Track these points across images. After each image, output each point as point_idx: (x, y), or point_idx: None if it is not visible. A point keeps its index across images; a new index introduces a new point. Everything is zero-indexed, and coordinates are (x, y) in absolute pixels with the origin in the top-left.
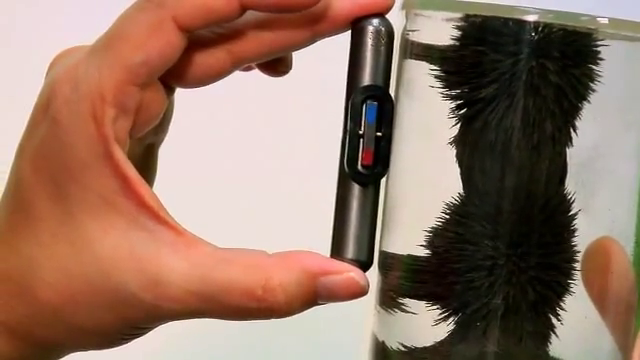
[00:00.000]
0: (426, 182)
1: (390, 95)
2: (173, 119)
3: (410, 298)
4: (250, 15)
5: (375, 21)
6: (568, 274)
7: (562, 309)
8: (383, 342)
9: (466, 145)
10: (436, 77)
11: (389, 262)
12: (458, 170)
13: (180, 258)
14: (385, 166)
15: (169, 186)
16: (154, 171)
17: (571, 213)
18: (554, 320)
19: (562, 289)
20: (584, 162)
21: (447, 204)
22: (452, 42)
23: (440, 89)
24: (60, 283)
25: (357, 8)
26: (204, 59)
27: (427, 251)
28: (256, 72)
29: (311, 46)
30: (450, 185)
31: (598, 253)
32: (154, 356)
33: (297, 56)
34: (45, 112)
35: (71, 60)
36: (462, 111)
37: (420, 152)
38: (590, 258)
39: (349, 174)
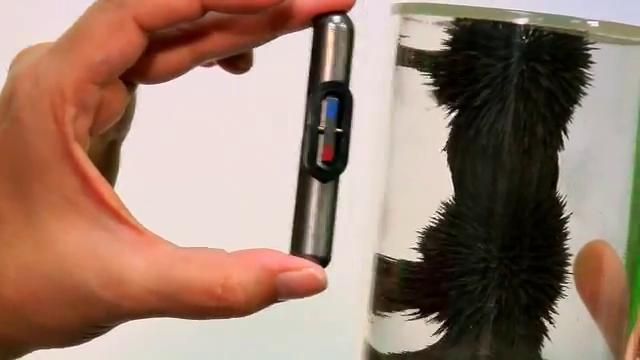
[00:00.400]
0: (419, 186)
1: (350, 92)
2: (171, 119)
3: (403, 302)
4: (212, 12)
5: (336, 18)
6: (560, 277)
7: (554, 312)
8: (375, 348)
9: (458, 149)
10: (427, 81)
11: (382, 266)
12: (450, 174)
13: (140, 257)
14: (345, 162)
15: (149, 186)
16: (117, 168)
17: (563, 216)
18: (546, 323)
19: (554, 292)
20: (575, 165)
21: (439, 208)
22: (443, 46)
23: (431, 93)
24: (23, 282)
25: (319, 6)
26: (165, 56)
27: (420, 255)
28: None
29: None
30: (442, 189)
31: (590, 256)
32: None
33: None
34: (7, 109)
35: (33, 57)
36: (454, 115)
37: (412, 156)
38: (582, 261)
39: (309, 170)
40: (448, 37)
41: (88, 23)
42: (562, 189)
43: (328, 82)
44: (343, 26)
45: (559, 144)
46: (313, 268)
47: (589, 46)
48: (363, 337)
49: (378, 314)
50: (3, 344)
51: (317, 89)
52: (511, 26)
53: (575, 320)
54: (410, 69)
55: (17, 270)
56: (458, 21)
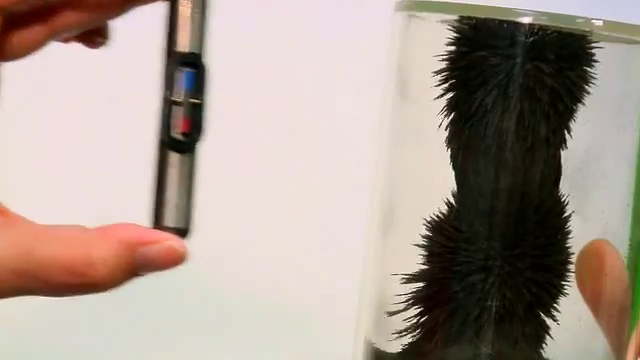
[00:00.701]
0: (421, 184)
1: (205, 62)
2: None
3: (405, 300)
4: None
5: None
6: (562, 276)
7: (556, 311)
8: (377, 345)
9: (461, 147)
10: (431, 79)
11: (384, 264)
12: (453, 172)
13: (1, 237)
14: (200, 133)
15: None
16: None
17: (565, 215)
18: (548, 322)
19: (556, 291)
20: (578, 164)
21: (442, 207)
22: (447, 44)
23: (434, 91)
24: None
25: None
26: (20, 33)
27: (423, 253)
28: None
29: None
30: (445, 187)
31: (592, 255)
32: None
33: None
34: None
35: None
36: (457, 113)
37: (415, 154)
38: (584, 260)
39: (165, 142)
40: (452, 35)
41: None
42: (565, 188)
43: (182, 53)
44: None
45: (562, 143)
46: (173, 241)
47: (593, 45)
48: (364, 336)
49: (379, 311)
50: None
51: (171, 60)
52: (515, 25)
53: (577, 319)
54: (413, 67)
55: None
56: (462, 19)
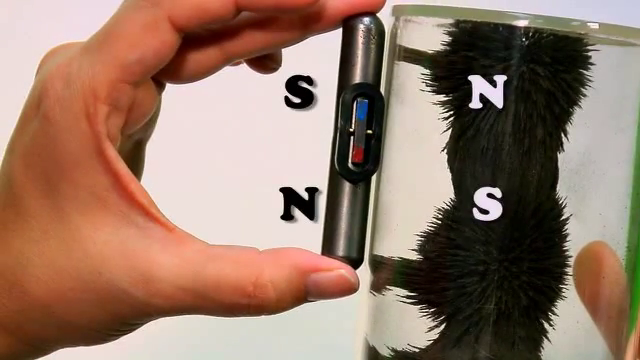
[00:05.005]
0: (417, 187)
1: (381, 93)
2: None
3: (402, 303)
4: (243, 13)
5: (366, 20)
6: (560, 279)
7: (554, 314)
8: (375, 347)
9: (457, 150)
10: (427, 83)
11: (381, 267)
12: (449, 175)
13: (171, 254)
14: (375, 163)
15: (160, 183)
16: (142, 166)
17: (563, 218)
18: (546, 325)
19: (554, 294)
20: (575, 167)
21: (439, 209)
22: (443, 48)
23: (431, 95)
24: (51, 280)
25: (349, 7)
26: (196, 56)
27: (419, 256)
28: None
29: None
30: (441, 190)
31: (590, 258)
32: (153, 355)
33: None
34: (36, 109)
35: (63, 57)
36: (453, 116)
37: (411, 157)
38: (582, 263)
39: (340, 171)
40: (448, 39)
41: (121, 22)
42: (562, 190)
43: (358, 84)
44: (373, 27)
45: (559, 145)
46: (345, 269)
47: (589, 48)
48: (364, 338)
49: (377, 313)
50: (31, 342)
51: (347, 90)
52: (511, 28)
53: (575, 322)
54: (409, 69)
55: (46, 269)
56: (458, 23)
